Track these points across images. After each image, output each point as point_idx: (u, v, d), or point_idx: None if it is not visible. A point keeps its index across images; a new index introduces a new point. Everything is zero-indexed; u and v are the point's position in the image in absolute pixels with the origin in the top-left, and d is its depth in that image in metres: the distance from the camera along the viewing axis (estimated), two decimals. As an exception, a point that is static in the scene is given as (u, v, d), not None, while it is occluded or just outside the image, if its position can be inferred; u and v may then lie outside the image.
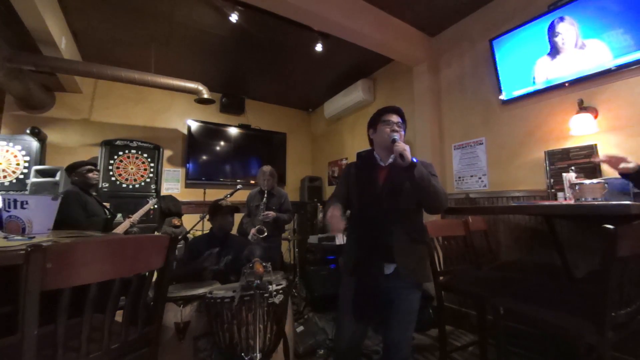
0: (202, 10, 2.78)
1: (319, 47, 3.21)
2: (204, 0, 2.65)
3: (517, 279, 1.59)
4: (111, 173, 3.79)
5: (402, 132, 1.40)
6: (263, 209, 2.69)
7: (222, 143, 4.62)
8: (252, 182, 4.37)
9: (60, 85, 3.53)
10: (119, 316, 0.89)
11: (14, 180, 3.24)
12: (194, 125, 4.39)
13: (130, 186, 3.88)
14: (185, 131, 4.37)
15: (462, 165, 2.84)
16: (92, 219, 2.19)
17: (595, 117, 1.98)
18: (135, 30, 3.05)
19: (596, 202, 1.19)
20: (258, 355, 1.36)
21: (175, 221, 3.68)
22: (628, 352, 1.56)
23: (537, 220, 2.19)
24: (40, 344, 0.68)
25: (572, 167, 1.99)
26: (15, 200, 1.27)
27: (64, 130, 3.69)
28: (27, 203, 1.29)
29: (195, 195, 4.29)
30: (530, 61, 2.30)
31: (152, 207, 2.81)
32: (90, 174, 2.32)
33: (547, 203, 1.73)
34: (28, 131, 3.26)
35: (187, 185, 4.34)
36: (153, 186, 4.00)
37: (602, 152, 1.94)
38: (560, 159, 2.13)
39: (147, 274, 0.96)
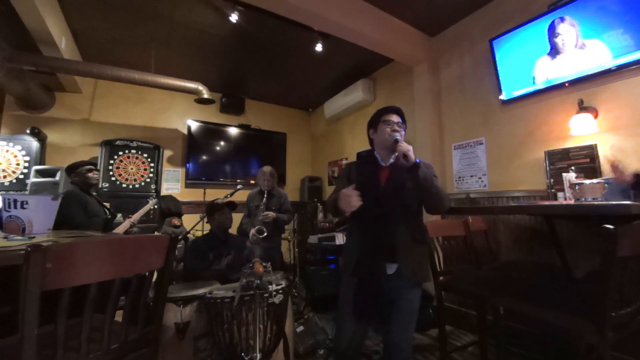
0: (202, 10, 2.78)
1: (319, 47, 3.21)
2: (204, 0, 2.65)
3: (517, 279, 1.59)
4: (111, 173, 3.79)
5: (403, 132, 1.41)
6: (263, 209, 2.69)
7: (222, 143, 4.62)
8: (252, 182, 4.37)
9: (60, 85, 3.53)
10: (119, 316, 0.89)
11: (14, 180, 3.24)
12: (194, 125, 4.39)
13: (130, 186, 3.88)
14: (185, 131, 4.37)
15: (462, 165, 2.84)
16: (93, 219, 2.19)
17: (595, 117, 1.98)
18: (135, 30, 3.05)
19: (596, 202, 1.19)
20: (258, 355, 1.36)
21: (175, 221, 3.68)
22: (628, 352, 1.56)
23: (537, 220, 2.19)
24: (40, 344, 0.68)
25: (572, 167, 1.99)
26: (15, 200, 1.27)
27: (64, 130, 3.69)
28: (27, 203, 1.29)
29: (195, 195, 4.29)
30: (530, 61, 2.30)
31: (152, 207, 2.80)
32: (90, 174, 2.32)
33: (547, 203, 1.73)
34: (28, 131, 3.27)
35: (187, 185, 4.34)
36: (153, 186, 4.00)
37: (602, 152, 1.94)
38: (560, 159, 2.13)
39: (147, 274, 0.96)
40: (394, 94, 3.67)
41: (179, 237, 2.51)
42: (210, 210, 2.26)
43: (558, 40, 2.13)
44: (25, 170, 3.25)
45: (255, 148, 4.87)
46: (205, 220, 2.41)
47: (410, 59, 3.12)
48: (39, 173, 3.13)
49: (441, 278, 1.71)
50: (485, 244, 2.14)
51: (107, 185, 3.72)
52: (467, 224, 2.00)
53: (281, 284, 1.62)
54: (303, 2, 2.29)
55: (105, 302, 0.83)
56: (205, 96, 3.58)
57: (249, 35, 3.11)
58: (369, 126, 1.51)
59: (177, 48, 3.39)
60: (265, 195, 2.74)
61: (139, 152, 3.97)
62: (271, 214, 2.69)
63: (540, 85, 2.25)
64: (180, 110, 4.40)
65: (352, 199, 1.19)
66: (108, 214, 2.35)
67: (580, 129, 2.01)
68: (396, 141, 1.29)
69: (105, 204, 2.49)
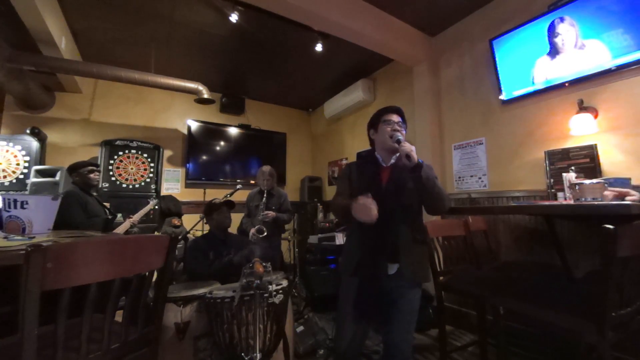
0: (202, 10, 2.78)
1: (319, 47, 3.21)
2: (204, 0, 2.65)
3: (517, 279, 1.58)
4: (111, 173, 3.79)
5: (404, 132, 1.41)
6: (263, 209, 2.69)
7: (222, 143, 4.62)
8: (252, 182, 4.37)
9: (60, 85, 3.53)
10: (119, 316, 0.89)
11: (14, 180, 3.24)
12: (194, 125, 4.39)
13: (130, 186, 3.88)
14: (185, 131, 4.37)
15: (462, 165, 2.84)
16: (93, 219, 2.19)
17: (595, 117, 1.98)
18: (135, 30, 3.05)
19: (596, 202, 1.19)
20: (258, 355, 1.36)
21: (175, 221, 3.68)
22: (628, 352, 1.56)
23: (537, 220, 2.19)
24: (40, 344, 0.68)
25: (572, 167, 1.99)
26: (15, 200, 1.27)
27: (64, 130, 3.69)
28: (27, 203, 1.29)
29: (195, 195, 4.29)
30: (530, 61, 2.30)
31: (152, 208, 2.80)
32: (91, 175, 2.32)
33: (547, 203, 1.73)
34: (28, 131, 3.26)
35: (187, 185, 4.34)
36: (153, 186, 4.00)
37: (602, 152, 1.94)
38: (560, 159, 2.13)
39: (147, 274, 0.96)
40: (394, 94, 3.67)
41: (179, 237, 2.52)
42: (209, 210, 2.26)
43: (558, 40, 2.13)
44: (25, 170, 3.25)
45: (255, 148, 4.87)
46: (204, 220, 2.41)
47: (410, 59, 3.12)
48: (39, 173, 3.13)
49: (441, 278, 1.71)
50: (485, 244, 2.14)
51: (107, 185, 3.72)
52: (467, 224, 2.00)
53: (281, 284, 1.62)
54: (303, 2, 2.29)
55: (105, 302, 0.83)
56: (205, 96, 3.58)
57: (249, 35, 3.11)
58: (369, 126, 1.51)
59: (177, 48, 3.39)
60: (265, 195, 2.74)
61: (139, 152, 3.97)
62: (271, 213, 2.69)
63: (540, 85, 2.25)
64: (180, 110, 4.40)
65: (372, 210, 1.16)
66: (108, 214, 2.35)
67: (580, 129, 2.01)
68: (398, 141, 1.29)
69: (105, 204, 2.50)
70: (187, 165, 4.32)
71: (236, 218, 2.71)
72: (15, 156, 3.26)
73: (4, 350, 0.84)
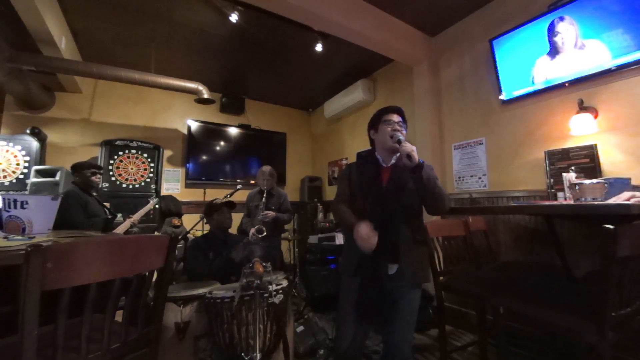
0: (202, 10, 2.78)
1: (319, 47, 3.21)
2: (204, 0, 2.65)
3: (517, 279, 1.59)
4: (111, 173, 3.79)
5: (404, 132, 1.41)
6: (262, 208, 2.69)
7: (222, 143, 4.62)
8: (252, 182, 4.36)
9: (60, 85, 3.53)
10: (119, 316, 0.89)
11: (14, 180, 3.24)
12: (194, 125, 4.39)
13: (130, 186, 3.88)
14: (185, 131, 4.37)
15: (462, 165, 2.84)
16: (92, 219, 2.19)
17: (595, 117, 1.98)
18: (135, 30, 3.05)
19: (596, 202, 1.19)
20: (258, 355, 1.36)
21: (175, 221, 3.68)
22: (628, 352, 1.56)
23: (537, 220, 2.19)
24: (40, 344, 0.68)
25: (572, 167, 1.99)
26: (15, 200, 1.27)
27: (64, 130, 3.69)
28: (27, 203, 1.29)
29: (195, 195, 4.29)
30: (530, 61, 2.30)
31: (152, 208, 2.80)
32: (93, 177, 2.33)
33: (547, 203, 1.73)
34: (28, 131, 3.26)
35: (187, 185, 4.34)
36: (153, 186, 4.00)
37: (602, 152, 1.94)
38: (560, 159, 2.13)
39: (147, 274, 0.96)
40: (394, 94, 3.67)
41: (179, 237, 2.52)
42: (209, 210, 2.26)
43: (557, 39, 2.13)
44: (25, 170, 3.25)
45: (255, 148, 4.87)
46: (205, 220, 2.41)
47: (410, 59, 3.12)
48: (39, 173, 3.13)
49: (441, 278, 1.71)
50: (485, 244, 2.14)
51: (107, 185, 3.72)
52: (467, 224, 2.00)
53: (281, 284, 1.62)
54: (303, 2, 2.29)
55: (105, 302, 0.83)
56: (205, 96, 3.58)
57: (249, 35, 3.11)
58: (370, 127, 1.51)
59: (177, 48, 3.39)
60: (265, 195, 2.74)
61: (139, 152, 3.97)
62: (270, 213, 2.69)
63: (540, 85, 2.25)
64: (180, 110, 4.40)
65: (371, 241, 1.19)
66: (108, 214, 2.35)
67: (580, 129, 2.01)
68: (399, 141, 1.29)
69: (105, 204, 2.50)
70: (187, 165, 4.32)
71: (236, 218, 2.71)
72: (15, 156, 3.26)
73: (4, 350, 0.84)
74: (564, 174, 1.83)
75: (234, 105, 4.70)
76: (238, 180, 4.40)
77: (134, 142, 3.94)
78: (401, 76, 3.52)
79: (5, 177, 3.21)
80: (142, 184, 3.95)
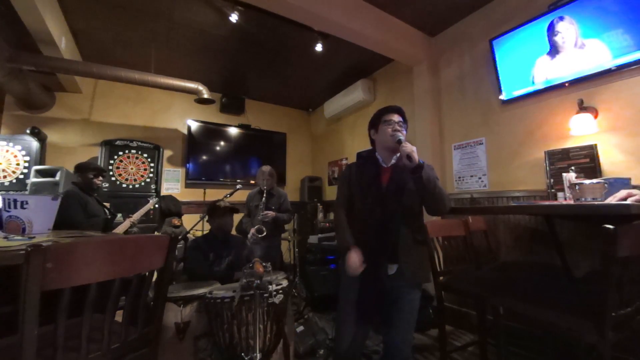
0: (202, 10, 2.78)
1: (319, 47, 3.21)
2: (204, 0, 2.65)
3: (517, 279, 1.59)
4: (111, 173, 3.79)
5: (404, 132, 1.40)
6: (262, 208, 2.69)
7: (222, 143, 4.62)
8: (252, 182, 4.37)
9: (60, 85, 3.53)
10: (119, 316, 0.89)
11: (14, 180, 3.24)
12: (194, 125, 4.39)
13: (130, 186, 3.88)
14: (185, 131, 4.37)
15: (462, 165, 2.84)
16: (93, 219, 2.19)
17: (595, 117, 1.98)
18: (135, 30, 3.05)
19: (596, 202, 1.19)
20: (258, 355, 1.36)
21: (175, 221, 3.68)
22: (628, 352, 1.56)
23: (537, 220, 2.19)
24: (40, 344, 0.68)
25: (572, 167, 1.99)
26: (15, 200, 1.27)
27: (64, 130, 3.69)
28: (27, 203, 1.29)
29: (195, 195, 4.29)
30: (530, 61, 2.30)
31: (152, 208, 2.80)
32: (95, 180, 2.33)
33: (547, 203, 1.73)
34: (28, 131, 3.26)
35: (187, 185, 4.34)
36: (153, 186, 4.00)
37: (602, 152, 1.94)
38: (560, 159, 2.13)
39: (147, 274, 0.96)
40: (394, 94, 3.67)
41: (179, 237, 2.52)
42: (212, 212, 2.26)
43: (557, 38, 2.13)
44: (25, 170, 3.25)
45: (255, 148, 4.87)
46: (206, 219, 2.42)
47: (410, 59, 3.12)
48: (39, 173, 3.13)
49: (441, 278, 1.71)
50: (485, 244, 2.14)
51: (107, 185, 3.72)
52: (467, 224, 2.00)
53: (281, 284, 1.62)
54: (303, 2, 2.29)
55: (105, 302, 0.83)
56: (205, 96, 3.58)
57: (249, 35, 3.11)
58: (370, 127, 1.51)
59: (177, 48, 3.39)
60: (265, 195, 2.73)
61: (139, 152, 3.97)
62: (270, 213, 2.69)
63: (540, 85, 2.25)
64: (180, 110, 4.40)
65: (357, 272, 1.29)
66: (108, 214, 2.35)
67: (580, 129, 2.01)
68: (399, 141, 1.29)
69: (105, 204, 2.50)
70: (187, 165, 4.32)
71: (236, 218, 2.71)
72: (15, 156, 3.26)
73: (4, 350, 0.84)
74: (564, 174, 1.83)
75: (234, 105, 4.70)
76: (238, 180, 4.40)
77: (134, 142, 3.94)
78: (401, 76, 3.52)
79: (5, 177, 3.21)
80: (142, 184, 3.95)
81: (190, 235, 3.13)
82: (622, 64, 1.85)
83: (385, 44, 2.84)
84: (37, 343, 0.67)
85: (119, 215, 2.53)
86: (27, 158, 3.29)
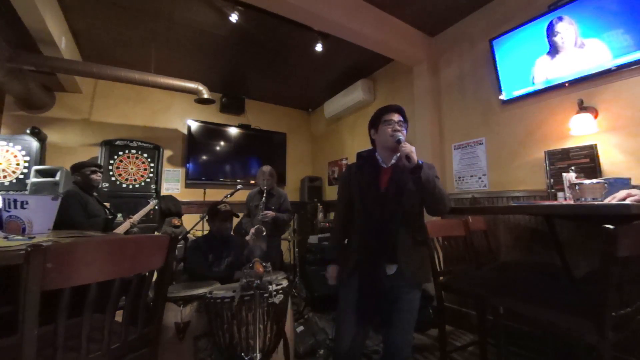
0: (202, 10, 2.78)
1: (319, 47, 3.21)
2: (204, 0, 2.65)
3: (517, 279, 1.59)
4: (111, 173, 3.79)
5: (404, 131, 1.40)
6: (262, 208, 2.68)
7: (222, 143, 4.62)
8: (252, 182, 4.36)
9: (60, 85, 3.53)
10: (119, 316, 0.89)
11: (14, 180, 3.23)
12: (194, 125, 4.39)
13: (130, 186, 3.88)
14: (185, 131, 4.37)
15: (462, 165, 2.84)
16: (93, 219, 2.19)
17: (595, 117, 1.98)
18: (135, 30, 3.05)
19: (596, 202, 1.19)
20: (258, 355, 1.36)
21: (175, 221, 3.68)
22: (628, 352, 1.56)
23: (537, 220, 2.19)
24: (40, 344, 0.68)
25: (572, 167, 1.99)
26: (15, 200, 1.27)
27: (64, 130, 3.69)
28: (27, 203, 1.29)
29: (195, 195, 4.29)
30: (530, 61, 2.30)
31: (152, 208, 2.80)
32: (93, 176, 2.33)
33: (547, 203, 1.73)
34: (28, 131, 3.26)
35: (187, 185, 4.34)
36: (153, 186, 4.00)
37: (602, 152, 1.94)
38: (560, 159, 2.13)
39: (147, 274, 0.96)
40: (394, 94, 3.67)
41: (179, 237, 2.52)
42: (213, 214, 2.25)
43: (557, 38, 2.13)
44: (25, 170, 3.25)
45: (255, 148, 4.86)
46: (206, 219, 2.42)
47: (410, 59, 3.12)
48: (39, 173, 3.13)
49: (441, 278, 1.71)
50: (485, 244, 2.14)
51: (107, 185, 3.72)
52: (467, 224, 2.00)
53: (281, 284, 1.62)
54: (303, 2, 2.29)
55: (105, 302, 0.83)
56: (205, 96, 3.58)
57: (249, 35, 3.11)
58: (370, 126, 1.50)
59: (177, 48, 3.38)
60: (265, 195, 2.73)
61: (139, 152, 3.97)
62: (270, 213, 2.69)
63: (540, 85, 2.25)
64: (180, 110, 4.40)
65: (332, 282, 1.48)
66: (108, 214, 2.35)
67: (580, 129, 2.01)
68: (399, 142, 1.28)
69: (105, 204, 2.50)
70: (187, 165, 4.32)
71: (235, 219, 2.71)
72: (15, 156, 3.26)
73: (4, 350, 0.84)
74: (564, 174, 1.83)
75: (234, 105, 4.70)
76: (238, 180, 4.40)
77: (134, 142, 3.94)
78: (401, 76, 3.52)
79: (5, 177, 3.21)
80: (142, 184, 3.95)
81: (190, 236, 3.13)
82: (622, 64, 1.85)
83: (385, 44, 2.84)
84: (37, 343, 0.67)
85: (119, 215, 2.53)
86: (27, 158, 3.29)
